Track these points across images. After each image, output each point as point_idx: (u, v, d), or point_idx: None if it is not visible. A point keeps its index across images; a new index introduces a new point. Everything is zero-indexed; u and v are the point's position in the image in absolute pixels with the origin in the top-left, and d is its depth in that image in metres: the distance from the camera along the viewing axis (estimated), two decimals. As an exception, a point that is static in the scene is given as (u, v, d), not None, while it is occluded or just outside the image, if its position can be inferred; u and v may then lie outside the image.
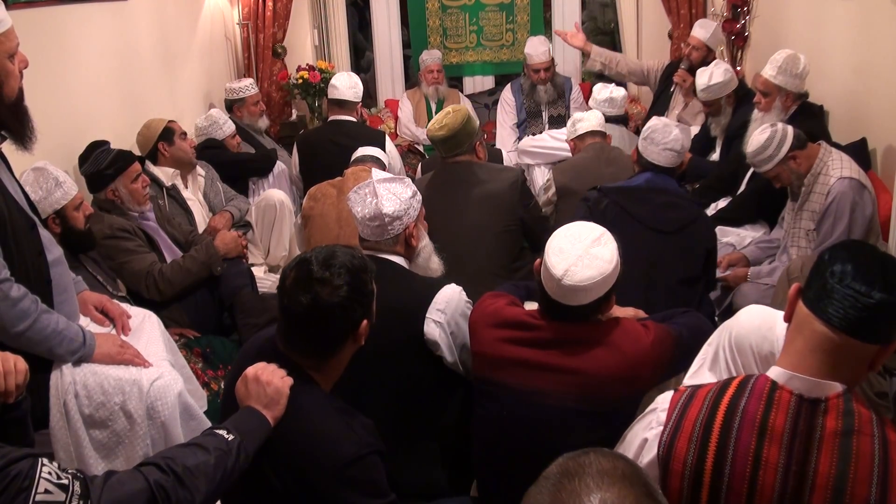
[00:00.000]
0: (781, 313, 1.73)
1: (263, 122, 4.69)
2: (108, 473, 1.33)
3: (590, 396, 1.78)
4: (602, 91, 4.24)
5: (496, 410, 1.87)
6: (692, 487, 1.31)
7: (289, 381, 1.59)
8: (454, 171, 3.05)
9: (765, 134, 2.93)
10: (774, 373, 1.33)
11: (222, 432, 1.50)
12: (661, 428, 1.38)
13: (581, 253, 1.79)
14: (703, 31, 4.50)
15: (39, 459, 1.24)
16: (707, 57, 4.46)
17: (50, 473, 1.23)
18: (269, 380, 1.57)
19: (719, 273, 3.15)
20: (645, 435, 1.41)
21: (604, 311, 1.88)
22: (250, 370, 1.61)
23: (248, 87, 4.56)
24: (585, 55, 4.99)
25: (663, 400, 1.43)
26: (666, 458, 1.34)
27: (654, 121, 2.91)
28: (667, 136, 2.80)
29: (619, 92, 4.24)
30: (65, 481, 1.23)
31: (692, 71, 4.45)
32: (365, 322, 1.65)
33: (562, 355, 1.81)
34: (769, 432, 1.27)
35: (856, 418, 1.26)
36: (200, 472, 1.40)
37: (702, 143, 4.12)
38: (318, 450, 1.54)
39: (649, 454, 1.38)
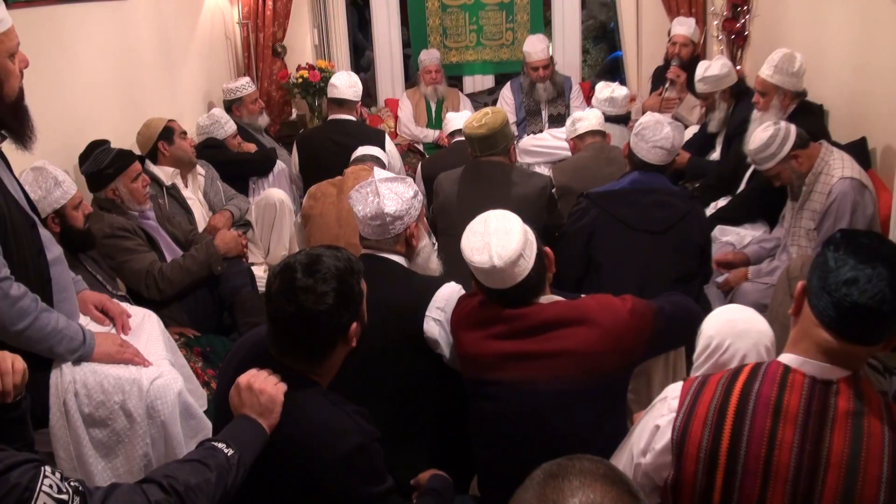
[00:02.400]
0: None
1: (263, 120, 4.69)
2: (110, 488, 1.31)
3: (579, 376, 1.80)
4: (603, 90, 4.24)
5: (493, 409, 1.88)
6: (707, 470, 1.34)
7: (282, 387, 1.57)
8: (486, 170, 3.07)
9: (767, 132, 2.92)
10: (786, 358, 1.36)
11: (222, 446, 1.47)
12: (674, 414, 1.40)
13: (490, 237, 1.84)
14: (684, 27, 4.53)
15: (42, 469, 1.23)
16: (695, 51, 4.48)
17: (51, 486, 1.21)
18: (262, 388, 1.55)
19: (719, 275, 3.15)
20: (657, 422, 1.43)
21: (549, 277, 1.93)
22: (243, 379, 1.59)
23: (244, 85, 4.55)
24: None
25: (673, 389, 1.46)
26: (680, 442, 1.36)
27: (647, 117, 2.89)
28: (657, 134, 2.77)
29: (620, 91, 4.24)
30: (65, 496, 1.21)
31: (684, 67, 4.46)
32: (355, 325, 1.63)
33: (544, 340, 1.82)
34: (784, 413, 1.30)
35: (865, 400, 1.29)
36: (202, 491, 1.38)
37: (701, 142, 4.12)
38: (320, 442, 1.55)
39: (662, 440, 1.40)
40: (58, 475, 1.24)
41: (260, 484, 1.58)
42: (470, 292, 2.04)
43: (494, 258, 1.81)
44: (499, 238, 1.84)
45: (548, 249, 1.93)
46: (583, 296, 2.26)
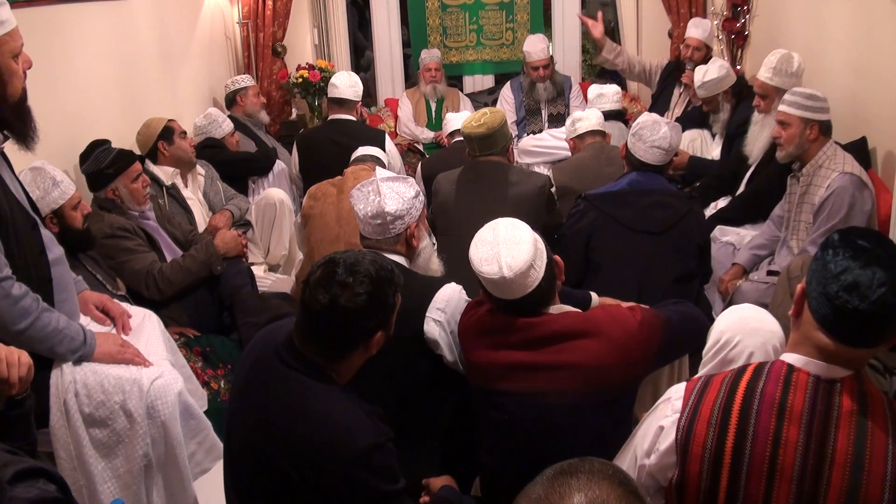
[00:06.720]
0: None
1: (264, 116, 4.73)
2: None
3: (587, 389, 1.79)
4: (593, 89, 4.38)
5: (500, 418, 1.87)
6: (712, 470, 1.34)
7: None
8: (485, 169, 3.06)
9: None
10: (790, 358, 1.36)
11: None
12: (678, 415, 1.40)
13: (499, 247, 1.82)
14: (699, 30, 4.53)
15: None
16: (708, 55, 4.49)
17: None
18: None
19: (717, 274, 3.16)
20: (661, 423, 1.43)
21: (558, 286, 1.92)
22: None
23: (246, 78, 4.66)
24: (598, 48, 4.99)
25: (676, 390, 1.46)
26: (685, 442, 1.37)
27: (644, 117, 2.89)
28: (655, 134, 2.77)
29: (610, 88, 4.33)
30: None
31: None
32: (380, 334, 1.67)
33: (553, 352, 1.81)
34: (788, 412, 1.30)
35: (869, 398, 1.30)
36: None
37: (695, 120, 4.18)
38: (338, 438, 1.57)
39: (666, 441, 1.40)
40: None
41: (275, 477, 1.60)
42: (476, 300, 2.02)
43: (504, 269, 1.78)
44: (508, 248, 1.80)
45: (557, 258, 1.92)
46: (593, 294, 2.27)
